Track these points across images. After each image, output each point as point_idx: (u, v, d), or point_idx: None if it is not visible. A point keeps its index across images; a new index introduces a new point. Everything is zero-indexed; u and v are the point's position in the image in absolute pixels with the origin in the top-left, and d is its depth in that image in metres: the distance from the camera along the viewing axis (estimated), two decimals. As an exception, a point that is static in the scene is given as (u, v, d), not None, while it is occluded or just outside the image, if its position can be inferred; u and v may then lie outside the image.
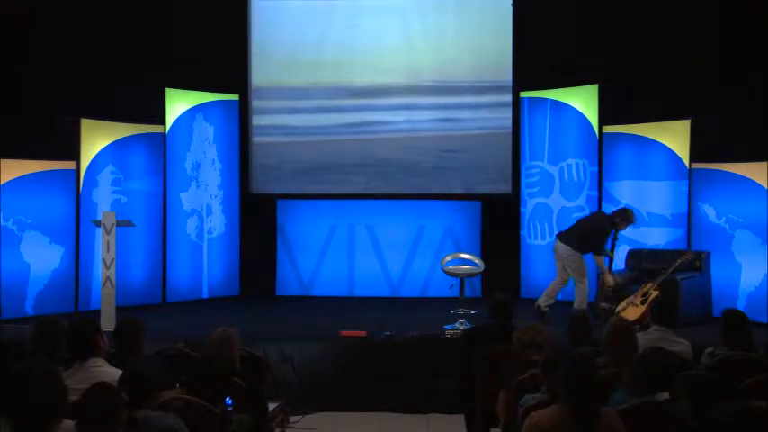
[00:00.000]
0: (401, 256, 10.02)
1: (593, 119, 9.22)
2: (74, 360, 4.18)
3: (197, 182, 9.66)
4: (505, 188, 9.87)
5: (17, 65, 8.78)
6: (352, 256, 10.09)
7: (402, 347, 7.16)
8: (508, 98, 9.80)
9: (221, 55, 9.69)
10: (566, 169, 9.45)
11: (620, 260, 8.63)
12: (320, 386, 6.97)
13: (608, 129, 9.17)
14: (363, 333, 7.37)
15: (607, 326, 4.57)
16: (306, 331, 7.73)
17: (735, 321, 4.96)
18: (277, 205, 10.22)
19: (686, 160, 8.57)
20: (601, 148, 9.19)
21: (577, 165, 9.37)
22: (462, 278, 8.11)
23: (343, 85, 9.98)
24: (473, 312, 7.80)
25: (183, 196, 9.53)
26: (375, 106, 9.94)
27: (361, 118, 9.96)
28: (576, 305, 7.86)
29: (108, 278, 7.66)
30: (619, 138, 9.12)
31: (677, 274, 7.59)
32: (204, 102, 9.73)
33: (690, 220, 8.53)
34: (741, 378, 4.14)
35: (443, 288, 8.76)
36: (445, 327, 7.52)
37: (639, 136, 8.97)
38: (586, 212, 8.93)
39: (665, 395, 3.69)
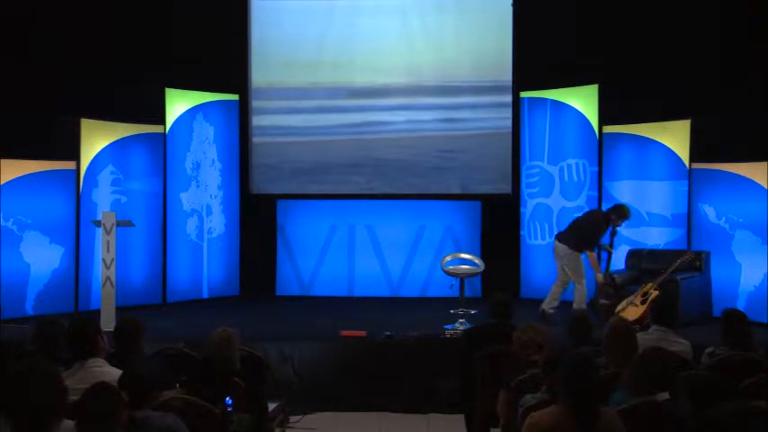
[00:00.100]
0: (401, 256, 10.03)
1: (593, 119, 9.22)
2: (74, 360, 4.18)
3: (197, 182, 9.66)
4: (505, 188, 9.87)
5: (17, 65, 8.78)
6: (352, 256, 10.09)
7: (402, 347, 7.16)
8: (508, 98, 9.80)
9: (221, 55, 9.69)
10: (566, 169, 9.45)
11: (620, 260, 8.65)
12: (320, 386, 6.96)
13: (608, 129, 9.17)
14: (363, 333, 7.37)
15: (607, 326, 4.57)
16: (306, 331, 7.73)
17: (735, 321, 4.96)
18: (277, 205, 10.22)
19: (686, 160, 8.57)
20: (601, 148, 9.19)
21: (577, 165, 9.37)
22: (462, 278, 8.11)
23: (343, 85, 9.98)
24: (473, 312, 7.79)
25: (183, 196, 9.53)
26: (375, 106, 9.94)
27: (361, 118, 9.96)
28: (575, 305, 7.88)
29: (108, 278, 7.66)
30: (619, 138, 9.12)
31: (677, 274, 7.59)
32: (204, 102, 9.73)
33: (690, 220, 8.53)
34: (741, 378, 4.14)
35: (443, 288, 8.76)
36: (445, 327, 7.52)
37: (639, 136, 8.97)
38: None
39: (665, 395, 3.69)
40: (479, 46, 9.83)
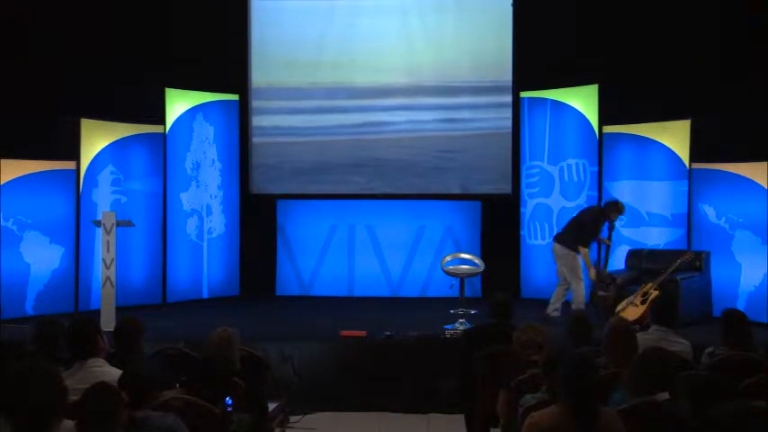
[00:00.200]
0: (401, 256, 10.03)
1: (593, 119, 9.22)
2: (74, 360, 4.18)
3: (197, 182, 9.66)
4: (505, 188, 9.87)
5: (17, 65, 8.78)
6: (352, 256, 10.09)
7: (402, 347, 7.16)
8: (508, 98, 9.80)
9: (221, 55, 9.70)
10: (566, 169, 9.46)
11: (620, 260, 8.65)
12: (320, 386, 6.96)
13: (608, 129, 9.18)
14: (363, 333, 7.37)
15: (607, 326, 4.57)
16: (306, 331, 7.73)
17: (735, 321, 4.96)
18: (277, 205, 10.22)
19: (686, 160, 8.57)
20: (601, 148, 9.19)
21: (577, 165, 9.37)
22: (462, 278, 8.11)
23: (343, 86, 9.98)
24: (473, 312, 7.79)
25: (183, 196, 9.53)
26: (375, 106, 9.94)
27: (361, 118, 9.96)
28: (573, 306, 7.91)
29: (108, 278, 7.66)
30: (619, 138, 9.13)
31: (677, 274, 7.60)
32: (204, 102, 9.73)
33: (690, 220, 8.53)
34: (741, 378, 4.14)
35: (443, 288, 8.75)
36: (445, 327, 7.52)
37: (639, 136, 8.97)
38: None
39: (665, 395, 3.69)
40: (479, 46, 9.83)
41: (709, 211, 8.38)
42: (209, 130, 9.78)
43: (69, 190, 8.64)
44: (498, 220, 9.95)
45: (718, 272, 8.17)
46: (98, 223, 7.95)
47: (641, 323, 6.68)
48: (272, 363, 6.79)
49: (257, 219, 10.18)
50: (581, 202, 9.23)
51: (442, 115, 9.88)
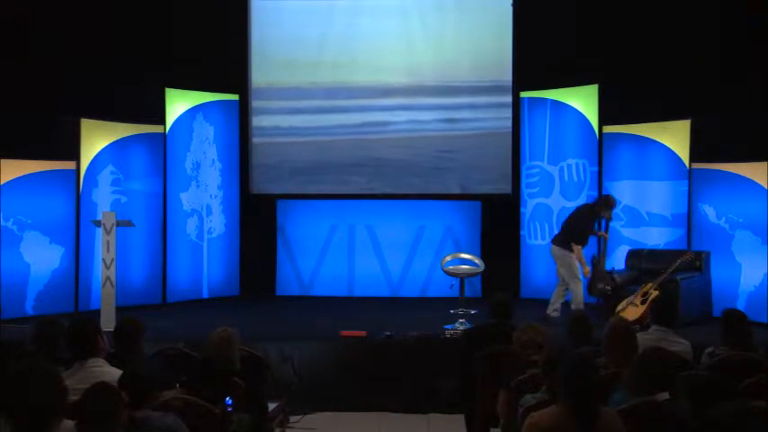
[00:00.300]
0: (401, 256, 10.03)
1: (593, 119, 9.22)
2: (74, 360, 4.17)
3: (197, 182, 9.66)
4: (505, 188, 9.87)
5: (17, 65, 8.78)
6: (352, 256, 10.09)
7: (402, 347, 7.16)
8: (508, 98, 9.80)
9: (221, 55, 9.70)
10: (566, 169, 9.46)
11: (620, 260, 8.66)
12: (320, 386, 6.96)
13: (608, 129, 9.18)
14: (363, 333, 7.37)
15: (607, 326, 4.57)
16: (306, 331, 7.73)
17: (735, 321, 4.95)
18: (277, 205, 10.22)
19: (686, 160, 8.57)
20: (601, 148, 9.19)
21: (577, 165, 9.37)
22: (462, 278, 8.12)
23: (344, 86, 9.98)
24: (473, 312, 7.80)
25: (183, 196, 9.53)
26: (375, 106, 9.94)
27: (361, 118, 9.96)
28: (572, 306, 7.91)
29: (108, 278, 7.66)
30: (619, 138, 9.13)
31: (677, 274, 7.60)
32: (204, 102, 9.73)
33: (690, 220, 8.53)
34: (741, 378, 4.14)
35: (443, 288, 8.76)
36: (445, 327, 7.52)
37: (639, 136, 8.97)
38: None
39: (665, 395, 3.69)
40: (479, 46, 9.82)
41: (709, 211, 8.38)
42: (209, 130, 9.78)
43: (69, 190, 8.64)
44: (498, 220, 9.95)
45: (718, 272, 8.18)
46: (98, 223, 7.95)
47: (641, 323, 6.69)
48: (272, 363, 6.79)
49: (257, 219, 10.18)
50: (581, 202, 9.18)
51: (442, 115, 9.88)
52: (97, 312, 7.64)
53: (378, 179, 9.98)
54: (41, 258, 8.42)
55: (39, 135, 8.54)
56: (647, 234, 8.83)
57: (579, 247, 8.00)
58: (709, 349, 4.97)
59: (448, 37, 9.89)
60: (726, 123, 8.28)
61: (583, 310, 7.34)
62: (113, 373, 3.98)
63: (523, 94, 9.77)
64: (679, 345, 4.91)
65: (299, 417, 6.58)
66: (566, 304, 8.16)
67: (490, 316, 5.74)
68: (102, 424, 3.13)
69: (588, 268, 8.03)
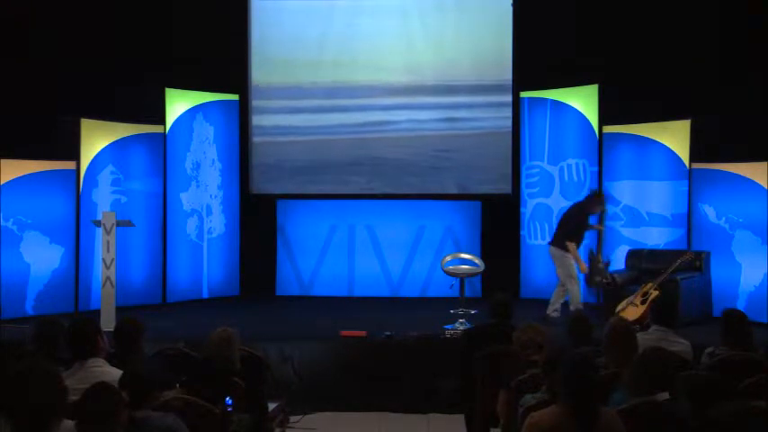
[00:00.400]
0: (401, 256, 10.03)
1: (593, 119, 9.22)
2: (74, 360, 4.18)
3: (197, 182, 9.66)
4: (505, 188, 9.87)
5: (17, 65, 8.78)
6: (352, 256, 10.09)
7: (402, 347, 7.16)
8: (508, 98, 9.80)
9: (221, 55, 9.70)
10: (566, 169, 9.46)
11: (620, 260, 8.66)
12: (320, 386, 6.96)
13: (608, 129, 9.18)
14: (363, 333, 7.37)
15: (607, 326, 4.57)
16: (306, 331, 7.73)
17: (735, 321, 4.96)
18: (277, 205, 10.22)
19: (686, 160, 8.57)
20: (601, 148, 9.19)
21: (577, 165, 9.37)
22: (462, 278, 8.12)
23: (344, 85, 9.98)
24: (473, 312, 7.80)
25: (183, 196, 9.53)
26: (375, 106, 9.94)
27: (361, 118, 9.96)
28: (571, 307, 7.92)
29: (108, 278, 7.66)
30: (619, 138, 9.12)
31: (677, 274, 7.60)
32: (204, 102, 9.73)
33: (690, 220, 8.53)
34: (741, 378, 4.14)
35: (443, 288, 8.76)
36: (445, 327, 7.52)
37: (639, 136, 8.97)
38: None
39: (665, 395, 3.69)
40: (479, 46, 9.82)
41: (709, 211, 8.38)
42: (210, 130, 9.78)
43: (69, 190, 8.64)
44: (498, 220, 9.95)
45: (718, 272, 8.17)
46: (98, 223, 7.95)
47: (641, 323, 6.68)
48: (272, 363, 6.79)
49: (257, 219, 10.18)
50: (581, 202, 9.23)
51: (442, 115, 9.88)
52: (97, 312, 7.64)
53: (378, 179, 9.97)
54: (41, 258, 8.42)
55: (39, 135, 8.54)
56: (647, 234, 8.83)
57: (573, 244, 8.02)
58: (709, 349, 4.97)
59: (448, 37, 9.89)
60: (726, 123, 8.28)
61: (583, 311, 7.35)
62: (113, 373, 3.98)
63: (523, 94, 9.77)
64: (679, 345, 4.91)
65: (299, 417, 6.58)
66: (566, 304, 8.17)
67: (490, 316, 5.74)
68: (102, 424, 3.13)
69: (585, 265, 8.06)
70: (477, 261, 8.36)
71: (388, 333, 7.31)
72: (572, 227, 8.13)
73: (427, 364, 7.00)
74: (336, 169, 10.00)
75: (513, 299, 6.12)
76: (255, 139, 10.10)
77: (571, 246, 8.00)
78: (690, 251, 8.07)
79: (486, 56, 9.82)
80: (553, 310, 8.13)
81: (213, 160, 9.82)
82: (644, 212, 8.86)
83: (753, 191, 8.04)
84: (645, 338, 4.82)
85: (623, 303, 7.51)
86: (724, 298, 8.02)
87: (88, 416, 3.13)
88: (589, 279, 8.12)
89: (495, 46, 9.78)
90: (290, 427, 6.28)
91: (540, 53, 9.44)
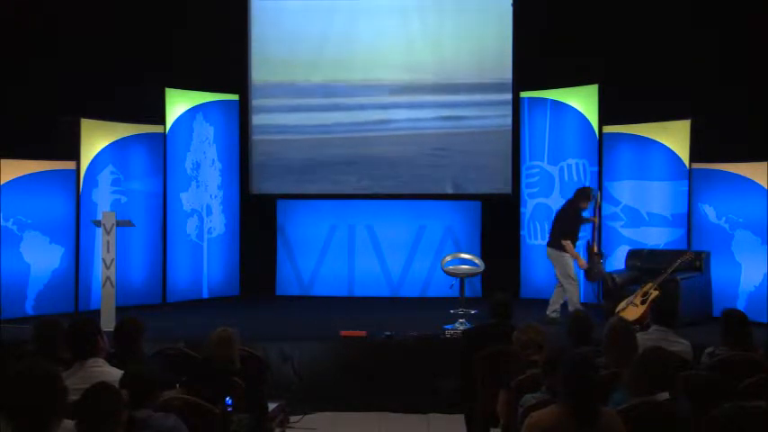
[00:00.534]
0: (401, 256, 10.03)
1: (593, 119, 9.23)
2: (74, 360, 4.17)
3: (197, 182, 9.66)
4: (505, 188, 9.87)
5: (17, 65, 8.77)
6: (352, 256, 10.09)
7: (402, 347, 7.16)
8: (508, 98, 9.81)
9: (221, 55, 9.69)
10: (566, 169, 9.46)
11: (620, 260, 8.66)
12: (320, 386, 6.96)
13: (608, 129, 9.18)
14: (363, 333, 7.37)
15: (607, 326, 4.57)
16: (306, 331, 7.73)
17: (735, 321, 4.95)
18: (277, 205, 10.22)
19: (686, 160, 8.57)
20: (601, 148, 9.19)
21: (577, 165, 9.37)
22: (462, 278, 8.12)
23: (344, 84, 9.98)
24: (473, 312, 7.80)
25: (183, 196, 9.53)
26: (375, 105, 9.95)
27: (361, 117, 9.97)
28: (570, 307, 7.91)
29: (108, 278, 7.66)
30: (619, 138, 9.13)
31: (677, 274, 7.60)
32: (204, 102, 9.73)
33: (690, 220, 8.53)
34: (741, 378, 4.14)
35: (443, 288, 8.76)
36: (445, 327, 7.53)
37: (639, 136, 8.97)
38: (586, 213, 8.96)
39: (665, 395, 3.69)
40: (479, 45, 9.83)
41: (709, 211, 8.38)
42: (209, 130, 9.78)
43: (69, 190, 8.64)
44: (498, 220, 9.96)
45: (718, 272, 8.17)
46: (98, 223, 7.95)
47: (641, 323, 6.69)
48: (272, 363, 6.80)
49: (257, 219, 10.18)
50: (581, 202, 9.22)
51: (441, 114, 9.89)
52: (97, 312, 7.64)
53: (378, 179, 9.98)
54: (41, 258, 8.42)
55: (39, 135, 8.54)
56: (647, 234, 8.83)
57: (568, 241, 8.01)
58: (709, 349, 4.97)
59: (448, 36, 9.90)
60: (726, 123, 8.28)
61: (583, 310, 7.31)
62: (113, 373, 3.98)
63: (523, 94, 9.77)
64: (679, 345, 4.91)
65: (299, 417, 6.57)
66: (565, 305, 8.16)
67: (490, 316, 5.73)
68: (102, 424, 3.13)
69: (583, 260, 8.05)
70: (477, 261, 8.36)
71: (388, 333, 7.31)
72: (565, 225, 8.14)
73: (427, 364, 6.99)
74: (337, 169, 10.00)
75: (513, 299, 6.12)
76: (255, 138, 10.10)
77: (567, 244, 8.00)
78: (690, 251, 8.07)
79: (485, 55, 9.82)
80: (553, 310, 8.13)
81: (213, 160, 9.82)
82: (644, 212, 8.86)
83: (753, 191, 8.04)
84: (645, 338, 4.81)
85: (623, 303, 7.50)
86: (724, 298, 8.02)
87: (88, 416, 3.13)
88: (588, 272, 8.12)
89: (495, 46, 9.78)
90: (290, 427, 6.28)
91: (540, 53, 9.44)
